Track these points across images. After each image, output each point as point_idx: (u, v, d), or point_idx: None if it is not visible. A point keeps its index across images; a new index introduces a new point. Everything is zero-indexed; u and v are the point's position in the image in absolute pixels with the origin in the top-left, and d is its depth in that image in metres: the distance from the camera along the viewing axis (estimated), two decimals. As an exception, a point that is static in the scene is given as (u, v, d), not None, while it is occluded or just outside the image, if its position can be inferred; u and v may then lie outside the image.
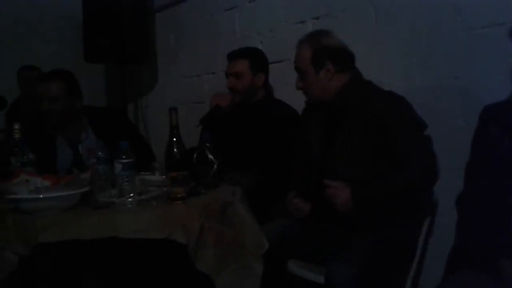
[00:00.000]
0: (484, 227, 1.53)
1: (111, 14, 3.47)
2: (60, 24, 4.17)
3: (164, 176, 1.98)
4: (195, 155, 2.01)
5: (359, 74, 2.02)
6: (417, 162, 1.80)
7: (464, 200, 1.67)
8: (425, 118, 2.14)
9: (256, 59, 2.60)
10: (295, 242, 2.03)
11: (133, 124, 2.78)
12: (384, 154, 1.83)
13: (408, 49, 2.29)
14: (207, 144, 2.02)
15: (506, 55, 1.77)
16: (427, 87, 2.23)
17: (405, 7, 2.29)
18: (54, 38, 4.10)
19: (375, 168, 1.85)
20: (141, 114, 4.12)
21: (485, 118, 1.63)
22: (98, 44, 3.54)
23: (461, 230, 1.73)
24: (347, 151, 1.92)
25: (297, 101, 2.51)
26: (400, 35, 2.32)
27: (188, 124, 2.63)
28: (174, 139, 1.81)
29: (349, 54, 2.01)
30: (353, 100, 1.94)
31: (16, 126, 2.00)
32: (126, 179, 1.66)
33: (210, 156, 2.00)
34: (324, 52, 1.96)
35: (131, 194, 1.65)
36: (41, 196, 1.59)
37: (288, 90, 2.73)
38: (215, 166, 2.00)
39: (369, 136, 1.85)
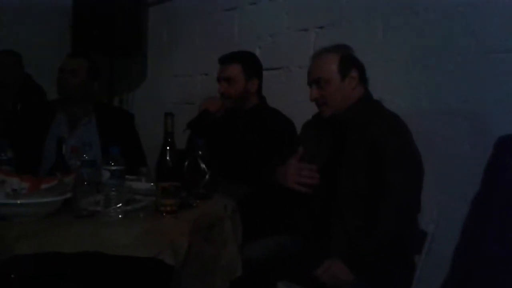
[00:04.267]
0: (493, 266, 1.46)
1: (102, 4, 3.32)
2: (47, 11, 3.99)
3: (151, 183, 1.86)
4: (186, 163, 1.90)
5: (369, 92, 1.98)
6: (397, 196, 1.75)
7: (473, 233, 1.59)
8: (429, 141, 2.09)
9: (250, 64, 2.49)
10: (288, 262, 1.93)
11: (136, 131, 2.74)
12: (377, 177, 1.78)
13: (416, 67, 2.22)
14: (200, 152, 1.90)
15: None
16: (433, 108, 2.16)
17: (417, 22, 2.22)
18: (40, 25, 3.92)
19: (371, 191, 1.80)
20: (125, 109, 3.97)
21: (502, 149, 1.54)
22: (87, 34, 3.37)
23: (463, 260, 1.66)
24: (350, 169, 1.86)
25: (291, 110, 2.44)
26: (408, 52, 2.25)
27: (176, 126, 2.50)
28: (168, 147, 1.68)
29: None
30: (359, 119, 1.89)
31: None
32: (113, 188, 1.53)
33: (203, 165, 1.89)
34: (351, 59, 1.94)
35: (118, 205, 1.52)
36: (18, 201, 1.45)
37: (283, 99, 2.65)
38: (207, 176, 1.89)
39: (367, 159, 1.81)
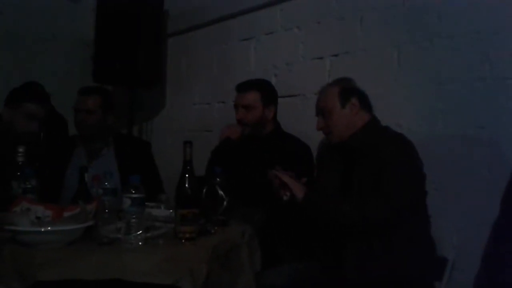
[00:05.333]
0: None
1: (124, 37, 3.40)
2: (69, 42, 4.10)
3: (170, 210, 1.89)
4: (204, 190, 1.92)
5: (377, 119, 2.05)
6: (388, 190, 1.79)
7: (493, 260, 1.57)
8: (447, 167, 2.09)
9: (267, 92, 2.54)
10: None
11: (153, 159, 2.80)
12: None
13: (432, 93, 2.22)
14: (218, 179, 1.93)
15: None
16: (451, 134, 2.15)
17: (431, 49, 2.24)
18: (62, 57, 4.03)
19: None
20: (144, 138, 4.03)
21: None
22: (109, 65, 3.46)
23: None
24: (361, 195, 1.87)
25: (307, 136, 2.47)
26: (424, 79, 2.26)
27: (194, 153, 2.53)
28: (187, 175, 1.71)
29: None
30: (366, 143, 1.93)
31: (20, 149, 1.91)
32: (134, 216, 1.56)
33: (221, 192, 1.92)
34: (351, 89, 2.05)
35: (139, 232, 1.55)
36: (42, 229, 1.48)
37: (299, 125, 2.68)
38: (225, 203, 1.91)
39: (376, 183, 1.83)
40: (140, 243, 1.56)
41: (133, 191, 1.59)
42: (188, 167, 1.72)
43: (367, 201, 1.81)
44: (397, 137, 1.94)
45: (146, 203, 1.87)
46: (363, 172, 1.89)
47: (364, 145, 1.93)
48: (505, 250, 1.52)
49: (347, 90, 2.04)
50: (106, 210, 1.74)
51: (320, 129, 2.08)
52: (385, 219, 1.79)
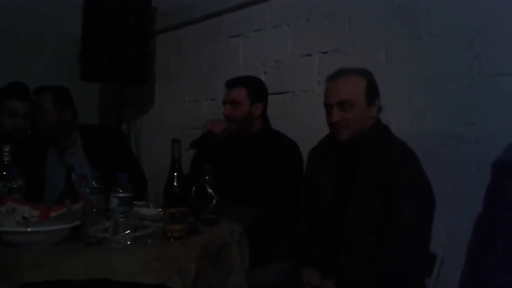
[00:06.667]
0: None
1: (113, 34, 3.37)
2: (57, 40, 4.05)
3: (159, 209, 1.88)
4: (193, 189, 1.91)
5: (380, 119, 1.95)
6: (409, 231, 1.73)
7: (478, 257, 1.57)
8: (436, 164, 2.09)
9: (255, 88, 2.51)
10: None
11: (126, 145, 2.78)
12: (388, 210, 1.76)
13: (421, 90, 2.23)
14: (207, 177, 1.92)
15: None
16: (440, 131, 2.17)
17: (420, 47, 2.25)
18: (49, 54, 3.98)
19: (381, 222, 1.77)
20: (133, 136, 4.00)
21: (499, 173, 1.52)
22: (97, 63, 3.42)
23: (470, 284, 1.64)
24: (361, 201, 1.82)
25: (296, 133, 2.46)
26: (413, 77, 2.27)
27: (183, 151, 2.50)
28: (175, 173, 1.70)
29: None
30: (370, 146, 1.85)
31: (6, 149, 1.89)
32: (121, 215, 1.54)
33: (210, 190, 1.91)
34: (376, 87, 1.91)
35: (127, 231, 1.53)
36: (28, 229, 1.46)
37: (288, 123, 2.67)
38: (214, 201, 1.90)
39: (378, 191, 1.78)
40: (128, 243, 1.54)
41: (120, 190, 1.57)
42: (177, 166, 1.71)
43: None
44: (403, 151, 1.84)
45: (134, 202, 1.86)
46: (365, 182, 1.81)
47: (367, 148, 1.85)
48: (489, 247, 1.52)
49: (374, 87, 1.87)
50: (94, 210, 1.72)
51: (336, 122, 1.85)
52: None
